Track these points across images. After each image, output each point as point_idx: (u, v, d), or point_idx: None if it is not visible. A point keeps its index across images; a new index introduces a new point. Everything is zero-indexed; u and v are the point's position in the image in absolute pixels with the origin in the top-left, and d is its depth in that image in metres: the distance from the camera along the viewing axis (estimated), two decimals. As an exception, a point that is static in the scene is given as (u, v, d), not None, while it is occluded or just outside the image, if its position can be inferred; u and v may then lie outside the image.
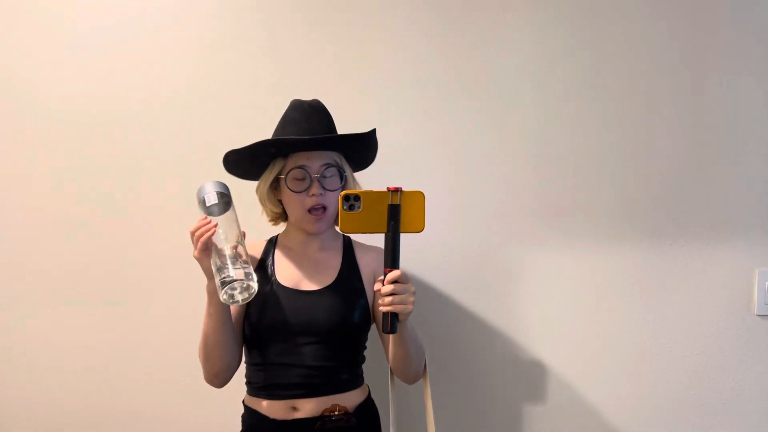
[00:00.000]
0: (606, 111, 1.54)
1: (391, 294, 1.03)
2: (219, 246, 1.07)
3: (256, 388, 1.22)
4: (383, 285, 1.04)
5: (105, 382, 1.57)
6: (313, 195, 1.19)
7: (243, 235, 1.12)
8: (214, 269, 1.07)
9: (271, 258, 1.26)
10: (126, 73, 1.56)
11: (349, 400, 1.21)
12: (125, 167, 1.56)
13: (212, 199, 1.12)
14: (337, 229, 1.20)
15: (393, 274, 1.04)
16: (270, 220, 1.32)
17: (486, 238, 1.54)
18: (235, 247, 1.07)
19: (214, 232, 1.06)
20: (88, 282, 1.56)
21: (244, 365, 1.26)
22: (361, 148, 1.27)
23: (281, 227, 1.33)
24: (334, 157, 1.22)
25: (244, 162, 1.25)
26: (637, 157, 1.54)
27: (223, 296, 1.05)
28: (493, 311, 1.54)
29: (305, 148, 1.20)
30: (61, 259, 1.56)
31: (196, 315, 1.20)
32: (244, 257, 1.08)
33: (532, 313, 1.54)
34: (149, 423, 1.56)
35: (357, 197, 1.06)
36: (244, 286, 1.06)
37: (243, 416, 1.25)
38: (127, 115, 1.56)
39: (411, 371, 1.21)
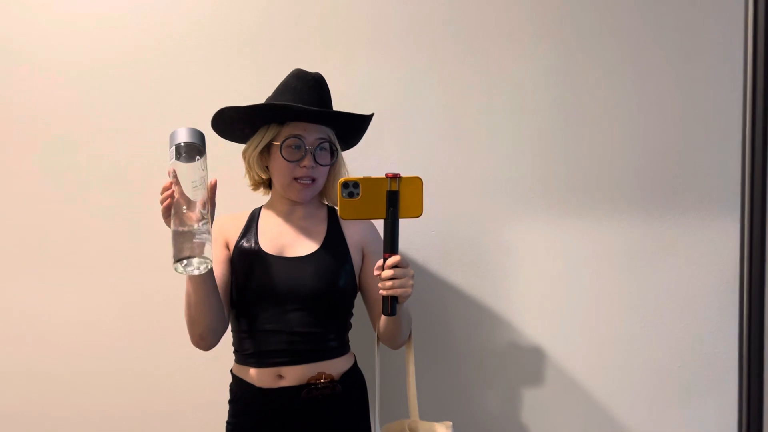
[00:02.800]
0: (596, 86, 1.54)
1: (392, 278, 1.06)
2: (179, 211, 1.02)
3: (243, 356, 1.24)
4: (383, 270, 1.07)
5: (91, 351, 1.57)
6: (304, 166, 1.20)
7: (213, 187, 1.07)
8: (171, 233, 1.02)
9: (254, 227, 1.27)
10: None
11: (335, 367, 1.23)
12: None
13: (181, 143, 1.03)
14: (340, 215, 1.21)
15: (393, 259, 1.07)
16: (251, 185, 1.31)
17: (476, 214, 1.55)
18: (195, 214, 1.02)
19: (172, 201, 1.01)
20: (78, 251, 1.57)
21: (231, 334, 1.27)
22: (353, 129, 1.29)
23: (260, 195, 1.33)
24: (328, 132, 1.23)
25: (238, 122, 1.23)
26: (627, 131, 1.55)
27: (177, 268, 1.01)
28: (483, 286, 1.55)
29: (308, 119, 1.21)
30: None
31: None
32: (200, 223, 1.02)
33: (522, 288, 1.56)
34: (135, 393, 1.56)
35: (356, 184, 1.08)
36: (200, 261, 1.01)
37: (231, 386, 1.27)
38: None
39: (398, 341, 1.26)
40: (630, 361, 1.57)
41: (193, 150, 1.03)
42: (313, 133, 1.21)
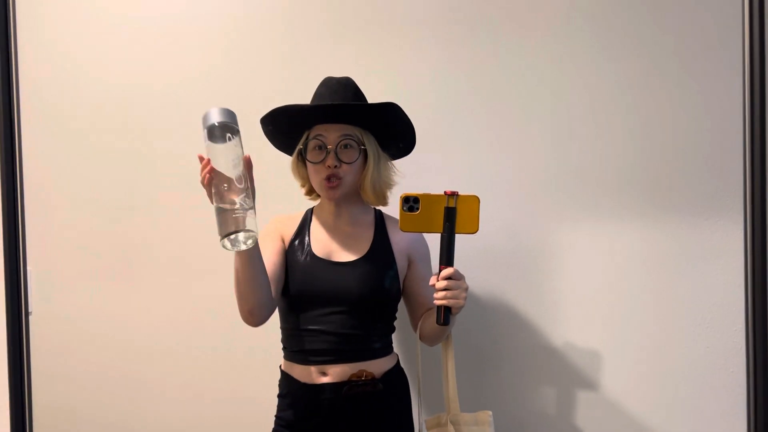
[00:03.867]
0: (636, 86, 1.53)
1: (445, 289, 1.13)
2: (219, 189, 1.05)
3: (290, 353, 1.30)
4: (438, 281, 1.14)
5: (145, 351, 1.65)
6: (328, 166, 1.23)
7: (248, 163, 1.08)
8: (214, 211, 1.05)
9: (307, 229, 1.32)
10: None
11: (378, 366, 1.27)
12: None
13: (214, 124, 1.06)
14: (398, 226, 1.24)
15: (447, 271, 1.14)
16: (305, 194, 1.37)
17: (517, 215, 1.57)
18: (235, 190, 1.04)
19: (210, 179, 1.04)
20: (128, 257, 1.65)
21: (280, 330, 1.33)
22: (383, 123, 1.28)
23: (317, 201, 1.38)
24: (354, 130, 1.25)
25: (278, 135, 1.31)
26: (670, 133, 1.53)
27: (225, 245, 1.04)
28: (524, 285, 1.57)
29: (324, 120, 1.24)
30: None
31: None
32: (241, 197, 1.04)
33: (563, 288, 1.56)
34: (187, 389, 1.63)
35: (416, 199, 1.14)
36: (246, 235, 1.04)
37: (279, 381, 1.33)
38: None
39: (438, 341, 1.32)
40: (673, 368, 1.56)
41: (225, 130, 1.06)
42: (334, 132, 1.24)
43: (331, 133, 1.24)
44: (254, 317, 1.21)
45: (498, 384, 1.60)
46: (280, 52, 1.61)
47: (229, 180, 1.04)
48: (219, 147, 1.05)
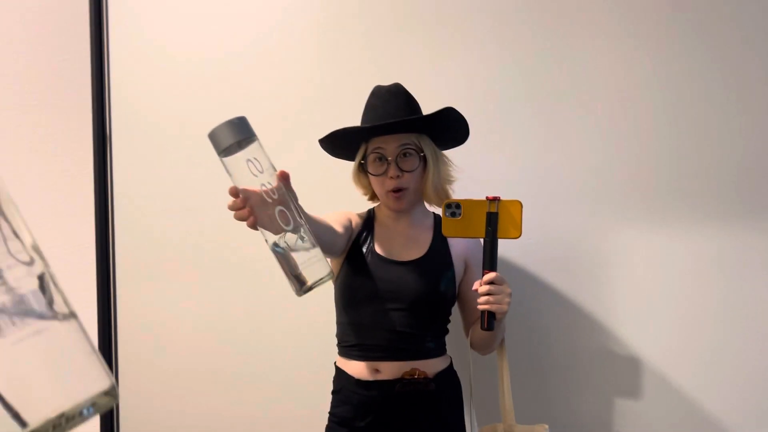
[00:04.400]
0: (704, 89, 1.48)
1: (488, 294, 1.13)
2: (267, 226, 0.90)
3: (345, 348, 1.33)
4: (480, 286, 1.14)
5: (209, 348, 1.69)
6: (391, 177, 1.26)
7: (284, 177, 0.93)
8: (274, 255, 0.91)
9: (371, 228, 1.35)
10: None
11: (431, 366, 1.28)
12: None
13: (232, 144, 0.88)
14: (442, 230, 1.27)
15: (489, 276, 1.14)
16: (368, 199, 1.41)
17: (571, 220, 1.54)
18: (286, 219, 0.89)
19: (253, 222, 0.90)
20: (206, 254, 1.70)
21: (336, 325, 1.37)
22: (438, 129, 1.29)
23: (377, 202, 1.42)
24: (411, 138, 1.27)
25: (336, 148, 1.35)
26: (727, 135, 1.47)
27: (299, 294, 0.91)
28: (580, 292, 1.54)
29: (381, 133, 1.27)
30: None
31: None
32: (298, 233, 0.90)
33: (621, 297, 1.52)
34: (244, 384, 1.67)
35: (458, 205, 1.16)
36: (327, 279, 0.90)
37: (334, 377, 1.36)
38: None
39: (489, 350, 1.33)
40: (732, 371, 1.49)
41: (245, 144, 0.89)
42: (392, 144, 1.26)
43: (389, 145, 1.26)
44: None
45: (555, 395, 1.56)
46: (341, 55, 1.64)
47: (269, 209, 0.89)
48: (239, 157, 0.89)
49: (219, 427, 1.68)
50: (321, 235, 1.10)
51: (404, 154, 1.27)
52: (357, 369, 1.29)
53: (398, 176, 1.26)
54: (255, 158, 0.89)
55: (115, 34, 1.71)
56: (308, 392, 1.61)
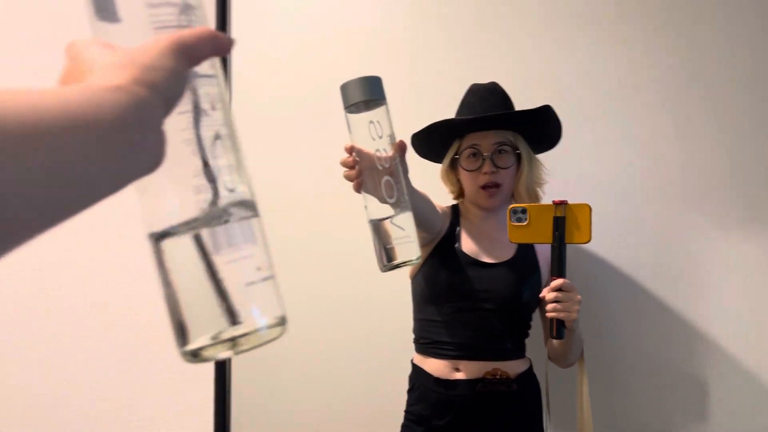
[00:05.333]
0: None
1: (555, 301, 1.10)
2: (367, 197, 0.89)
3: (423, 345, 1.32)
4: (548, 293, 1.12)
5: (300, 343, 1.68)
6: (485, 173, 1.25)
7: (401, 147, 0.92)
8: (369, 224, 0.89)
9: (458, 224, 1.35)
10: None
11: (512, 367, 1.27)
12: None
13: (360, 102, 0.87)
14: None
15: (557, 282, 1.11)
16: (453, 198, 1.41)
17: (666, 223, 1.45)
18: (391, 190, 0.87)
19: (358, 186, 0.89)
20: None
21: (413, 322, 1.37)
22: (537, 126, 1.28)
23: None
24: (507, 135, 1.27)
25: (428, 144, 1.34)
26: None
27: (383, 269, 0.89)
28: (673, 300, 1.45)
29: (478, 128, 1.27)
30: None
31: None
32: (398, 205, 0.87)
33: (715, 307, 1.43)
34: (320, 383, 1.67)
35: (524, 210, 1.15)
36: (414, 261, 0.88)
37: (410, 375, 1.36)
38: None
39: (566, 362, 1.29)
40: None
41: (371, 106, 0.88)
42: (489, 140, 1.26)
43: (485, 141, 1.26)
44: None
45: (637, 411, 1.48)
46: (437, 56, 1.63)
47: (376, 179, 0.88)
48: (363, 116, 0.88)
49: (298, 421, 1.70)
50: (423, 211, 1.11)
51: (500, 152, 1.27)
52: (436, 367, 1.29)
53: (493, 172, 1.25)
54: (378, 121, 0.87)
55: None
56: (383, 389, 1.61)
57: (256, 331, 0.39)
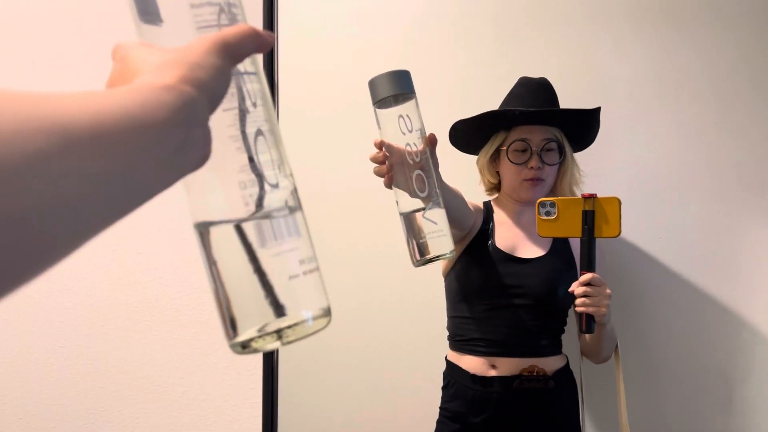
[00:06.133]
0: None
1: (585, 296, 1.09)
2: (398, 192, 0.88)
3: (458, 342, 1.31)
4: (577, 287, 1.11)
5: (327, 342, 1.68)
6: (531, 167, 1.25)
7: (433, 141, 0.91)
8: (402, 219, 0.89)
9: (491, 220, 1.34)
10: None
11: (548, 364, 1.26)
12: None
13: (389, 97, 0.86)
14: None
15: (586, 277, 1.11)
16: (486, 191, 1.40)
17: (709, 217, 1.43)
18: (425, 186, 0.87)
19: (389, 181, 0.89)
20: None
21: (447, 319, 1.37)
22: (582, 126, 1.29)
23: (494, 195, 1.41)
24: (555, 132, 1.27)
25: (469, 134, 1.34)
26: None
27: (415, 264, 0.88)
28: (717, 297, 1.42)
29: (527, 122, 1.26)
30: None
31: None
32: (431, 199, 0.87)
33: (761, 303, 1.39)
34: (350, 378, 1.67)
35: (552, 204, 1.14)
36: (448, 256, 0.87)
37: (444, 372, 1.35)
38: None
39: (599, 357, 1.28)
40: None
41: (400, 100, 0.87)
42: (538, 135, 1.26)
43: (535, 136, 1.26)
44: None
45: (678, 409, 1.44)
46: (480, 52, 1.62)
47: (408, 174, 0.87)
48: (392, 111, 0.88)
49: (336, 417, 1.70)
50: (455, 207, 1.10)
51: (547, 149, 1.27)
52: (472, 364, 1.29)
53: (539, 168, 1.26)
54: (408, 116, 0.86)
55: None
56: (418, 386, 1.60)
57: (302, 322, 0.40)
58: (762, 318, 1.39)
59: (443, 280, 1.38)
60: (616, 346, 1.29)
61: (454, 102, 1.56)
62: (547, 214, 1.15)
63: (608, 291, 1.11)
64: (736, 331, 1.41)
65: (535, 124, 1.26)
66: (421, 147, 0.87)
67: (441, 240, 0.85)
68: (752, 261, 1.40)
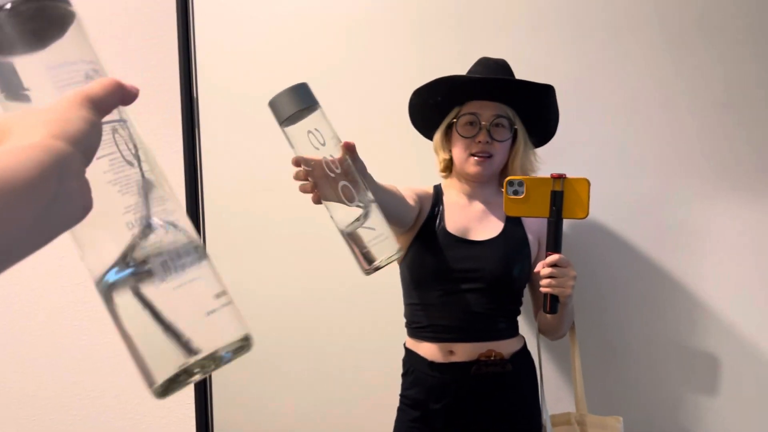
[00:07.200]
0: None
1: (550, 276, 1.08)
2: (330, 207, 0.85)
3: (416, 329, 1.30)
4: (543, 267, 1.09)
5: (274, 328, 1.65)
6: (479, 141, 1.23)
7: (351, 148, 0.87)
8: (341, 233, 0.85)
9: (440, 204, 1.32)
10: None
11: (506, 347, 1.26)
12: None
13: (292, 113, 0.82)
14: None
15: (552, 258, 1.09)
16: (441, 171, 1.37)
17: (659, 196, 1.45)
18: (352, 193, 0.84)
19: (317, 198, 0.86)
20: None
21: (404, 306, 1.34)
22: (536, 106, 1.27)
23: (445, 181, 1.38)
24: (507, 110, 1.25)
25: (426, 110, 1.31)
26: None
27: (366, 273, 0.86)
28: (666, 275, 1.44)
29: (480, 97, 1.25)
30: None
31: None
32: (365, 205, 0.84)
33: (709, 277, 1.42)
34: (306, 365, 1.63)
35: (521, 183, 1.12)
36: (394, 258, 0.85)
37: (403, 359, 1.34)
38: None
39: (557, 335, 1.28)
40: None
41: (305, 113, 0.83)
42: (489, 110, 1.24)
43: (485, 111, 1.24)
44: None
45: (631, 386, 1.48)
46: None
47: (334, 183, 0.84)
48: (299, 127, 0.84)
49: (290, 406, 1.67)
50: (392, 207, 1.07)
51: (497, 124, 1.25)
52: (429, 351, 1.28)
53: (487, 142, 1.24)
54: (316, 129, 0.83)
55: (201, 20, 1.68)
56: (379, 374, 1.58)
57: (216, 354, 0.40)
58: (714, 292, 1.42)
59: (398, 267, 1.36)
60: (573, 322, 1.30)
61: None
62: (515, 193, 1.12)
63: (574, 273, 1.10)
64: (689, 305, 1.44)
65: (488, 100, 1.25)
66: (339, 156, 0.84)
67: (384, 244, 0.83)
68: (706, 235, 1.43)
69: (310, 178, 0.85)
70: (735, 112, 1.41)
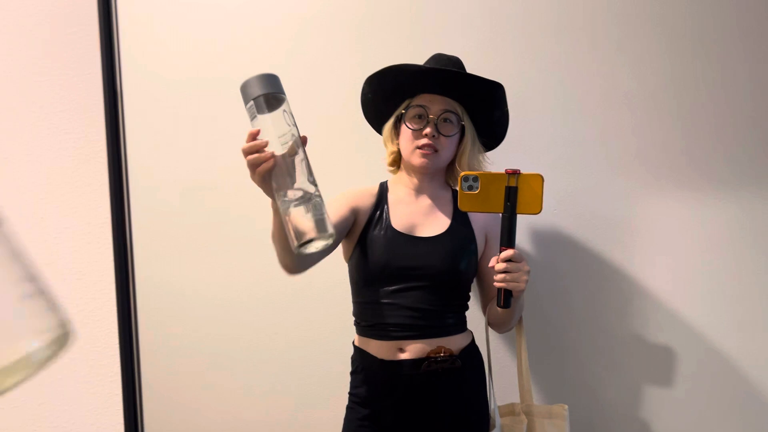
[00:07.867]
0: (719, 59, 1.43)
1: (505, 272, 1.09)
2: (281, 181, 0.91)
3: (364, 327, 1.29)
4: (497, 262, 1.10)
5: (218, 326, 1.62)
6: (425, 134, 1.23)
7: (302, 141, 0.93)
8: (280, 209, 0.92)
9: (385, 202, 1.31)
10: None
11: (454, 343, 1.26)
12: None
13: (261, 96, 0.90)
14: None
15: (507, 253, 1.09)
16: (389, 165, 1.35)
17: (600, 190, 1.49)
18: (301, 177, 0.90)
19: (272, 164, 0.91)
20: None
21: (353, 305, 1.33)
22: (486, 103, 1.27)
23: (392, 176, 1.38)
24: (455, 106, 1.26)
25: (378, 104, 1.31)
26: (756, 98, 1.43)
27: (300, 252, 0.90)
28: (608, 267, 1.49)
29: (429, 90, 1.25)
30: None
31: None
32: (313, 188, 0.90)
33: (643, 269, 1.48)
34: (258, 366, 1.62)
35: (476, 178, 1.11)
36: (326, 238, 0.90)
37: (352, 357, 1.33)
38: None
39: (506, 328, 1.30)
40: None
41: (274, 100, 0.91)
42: (437, 105, 1.24)
43: (434, 105, 1.25)
44: (289, 270, 1.17)
45: (576, 375, 1.52)
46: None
47: (289, 164, 0.90)
48: (268, 122, 0.91)
49: (235, 406, 1.65)
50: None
51: (445, 119, 1.25)
52: (379, 349, 1.26)
53: (434, 136, 1.24)
54: (288, 111, 0.92)
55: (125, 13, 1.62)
56: (327, 372, 1.58)
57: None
58: (653, 282, 1.48)
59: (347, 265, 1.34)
60: (520, 318, 1.32)
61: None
62: (470, 188, 1.12)
63: (527, 267, 1.11)
64: (632, 295, 1.49)
65: (437, 94, 1.25)
66: (294, 139, 0.91)
67: (319, 224, 0.88)
68: (646, 226, 1.48)
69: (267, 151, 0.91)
70: (674, 110, 1.46)
